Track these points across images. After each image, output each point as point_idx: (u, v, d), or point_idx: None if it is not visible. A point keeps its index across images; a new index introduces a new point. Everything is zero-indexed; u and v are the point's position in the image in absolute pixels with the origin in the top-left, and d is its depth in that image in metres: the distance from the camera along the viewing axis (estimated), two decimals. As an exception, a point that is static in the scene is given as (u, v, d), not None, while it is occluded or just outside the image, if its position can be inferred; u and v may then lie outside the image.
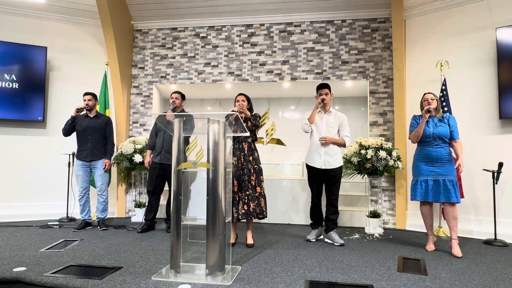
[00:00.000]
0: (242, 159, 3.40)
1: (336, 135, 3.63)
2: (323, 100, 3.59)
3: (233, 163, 3.36)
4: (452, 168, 3.27)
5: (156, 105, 5.64)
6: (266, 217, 3.40)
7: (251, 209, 3.31)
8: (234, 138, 3.44)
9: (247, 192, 3.34)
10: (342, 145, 3.64)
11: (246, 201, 3.32)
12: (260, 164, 3.50)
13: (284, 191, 4.94)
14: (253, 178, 3.38)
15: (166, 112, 4.15)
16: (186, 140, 4.72)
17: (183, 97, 4.21)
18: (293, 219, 4.86)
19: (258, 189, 3.39)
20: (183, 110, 4.20)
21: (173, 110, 4.07)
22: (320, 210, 3.74)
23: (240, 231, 3.75)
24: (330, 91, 3.68)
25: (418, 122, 3.43)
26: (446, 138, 3.30)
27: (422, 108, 3.44)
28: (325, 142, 3.55)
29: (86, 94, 4.24)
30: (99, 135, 4.26)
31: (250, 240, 3.41)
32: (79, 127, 4.21)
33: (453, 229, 3.23)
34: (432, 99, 3.36)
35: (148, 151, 4.27)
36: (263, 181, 3.47)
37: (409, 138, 3.49)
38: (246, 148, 3.43)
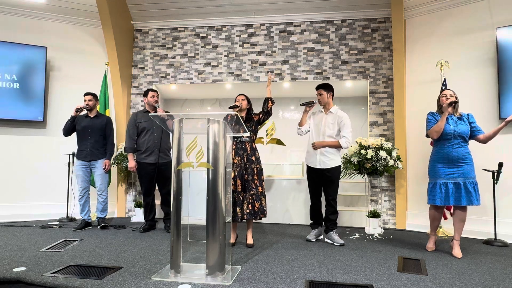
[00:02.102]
0: (245, 159, 3.40)
1: (335, 135, 3.58)
2: (310, 102, 3.59)
3: (237, 163, 3.37)
4: (473, 169, 3.14)
5: (156, 105, 5.64)
6: (265, 216, 3.42)
7: (255, 208, 3.33)
8: (237, 138, 3.44)
9: (251, 192, 3.35)
10: (336, 146, 3.54)
11: (250, 200, 3.33)
12: (261, 164, 3.51)
13: (284, 191, 4.94)
14: (256, 178, 3.39)
15: (141, 110, 4.12)
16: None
17: None
18: (293, 219, 4.86)
19: (260, 188, 3.40)
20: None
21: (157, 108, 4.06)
22: (319, 210, 3.74)
23: (240, 231, 3.75)
24: (326, 91, 3.64)
25: (436, 118, 3.24)
26: (466, 137, 3.16)
27: (439, 106, 3.29)
28: (314, 149, 3.56)
29: (86, 94, 4.27)
30: (99, 135, 4.27)
31: (250, 240, 3.42)
32: (79, 127, 4.23)
33: (457, 231, 3.18)
34: (451, 95, 3.19)
35: (131, 155, 4.10)
36: (263, 180, 3.48)
37: (427, 136, 3.34)
38: (248, 148, 3.44)
